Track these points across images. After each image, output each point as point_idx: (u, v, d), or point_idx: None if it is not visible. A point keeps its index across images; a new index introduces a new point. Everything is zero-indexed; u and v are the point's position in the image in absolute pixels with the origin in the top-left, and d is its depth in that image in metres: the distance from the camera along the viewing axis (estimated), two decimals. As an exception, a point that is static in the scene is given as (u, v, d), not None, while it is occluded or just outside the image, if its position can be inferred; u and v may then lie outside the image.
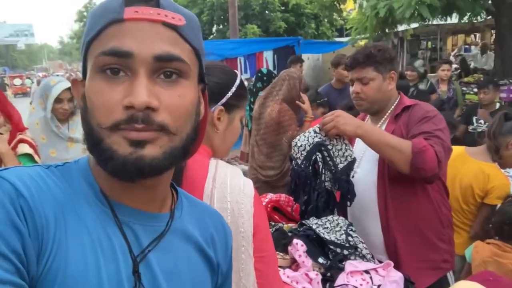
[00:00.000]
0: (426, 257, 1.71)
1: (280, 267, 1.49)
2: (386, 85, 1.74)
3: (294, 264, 1.52)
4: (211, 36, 14.68)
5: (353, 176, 1.76)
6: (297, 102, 3.12)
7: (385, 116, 1.79)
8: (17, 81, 27.51)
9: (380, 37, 9.18)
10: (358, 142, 1.84)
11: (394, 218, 1.71)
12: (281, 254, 1.60)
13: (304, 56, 8.29)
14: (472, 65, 9.44)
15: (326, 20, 14.34)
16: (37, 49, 58.70)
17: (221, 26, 14.53)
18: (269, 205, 2.01)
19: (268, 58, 8.07)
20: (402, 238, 1.70)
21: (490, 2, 6.09)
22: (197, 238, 0.71)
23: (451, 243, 1.78)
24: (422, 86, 5.24)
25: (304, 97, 3.21)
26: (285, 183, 3.24)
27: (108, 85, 0.54)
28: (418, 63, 5.72)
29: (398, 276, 1.40)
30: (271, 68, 7.72)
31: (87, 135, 0.57)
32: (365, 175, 1.79)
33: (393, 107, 1.78)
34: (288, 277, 1.38)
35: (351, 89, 1.81)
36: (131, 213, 0.62)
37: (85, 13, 31.48)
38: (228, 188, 1.02)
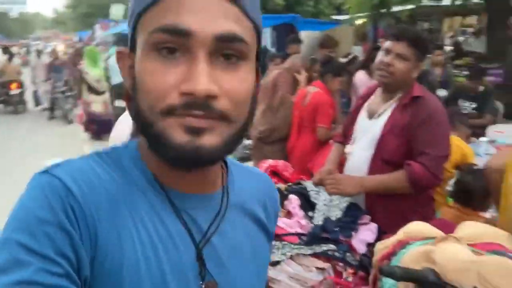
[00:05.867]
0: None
1: (277, 217, 1.80)
2: (413, 71, 1.77)
3: (288, 215, 1.84)
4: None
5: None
6: (294, 74, 3.63)
7: (395, 98, 1.82)
8: (15, 50, 27.02)
9: (377, 17, 9.33)
10: (360, 121, 1.96)
11: (378, 197, 1.82)
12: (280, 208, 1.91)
13: (303, 33, 8.36)
14: (466, 48, 9.64)
15: (324, -2, 14.38)
16: (30, 17, 57.71)
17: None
18: (268, 170, 2.32)
19: (266, 35, 8.16)
20: (382, 216, 1.76)
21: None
22: (253, 208, 0.69)
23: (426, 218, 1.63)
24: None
25: (302, 71, 3.67)
26: (275, 140, 3.67)
27: (163, 66, 0.50)
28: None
29: (373, 226, 1.71)
30: (268, 46, 7.84)
31: (136, 116, 0.54)
32: (361, 149, 1.91)
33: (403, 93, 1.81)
34: (283, 223, 1.69)
35: (381, 58, 1.81)
36: (185, 198, 0.59)
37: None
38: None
